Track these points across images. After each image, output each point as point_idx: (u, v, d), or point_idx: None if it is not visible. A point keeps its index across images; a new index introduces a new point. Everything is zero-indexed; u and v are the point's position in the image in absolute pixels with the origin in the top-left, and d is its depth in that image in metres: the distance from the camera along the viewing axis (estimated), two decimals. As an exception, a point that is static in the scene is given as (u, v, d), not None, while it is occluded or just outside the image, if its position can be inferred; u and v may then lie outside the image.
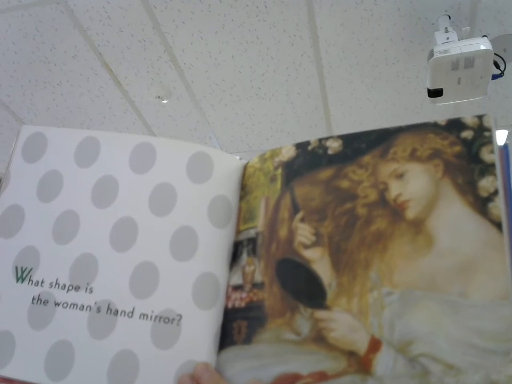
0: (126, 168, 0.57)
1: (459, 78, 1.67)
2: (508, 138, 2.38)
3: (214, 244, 0.53)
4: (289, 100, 2.24)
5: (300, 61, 2.03)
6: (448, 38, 1.69)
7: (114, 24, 1.91)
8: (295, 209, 0.51)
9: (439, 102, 1.78)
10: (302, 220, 0.51)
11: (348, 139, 0.52)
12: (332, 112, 2.30)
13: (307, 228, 0.50)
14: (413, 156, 0.49)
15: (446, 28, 1.72)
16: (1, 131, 2.50)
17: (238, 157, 0.59)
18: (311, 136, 0.54)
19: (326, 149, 0.53)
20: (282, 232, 0.51)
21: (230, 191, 0.56)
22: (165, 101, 2.26)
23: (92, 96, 2.27)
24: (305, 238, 0.50)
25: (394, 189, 0.48)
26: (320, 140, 0.53)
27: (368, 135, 0.51)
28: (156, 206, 0.55)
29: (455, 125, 0.48)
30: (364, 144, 0.51)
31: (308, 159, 0.53)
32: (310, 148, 0.54)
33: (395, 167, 0.49)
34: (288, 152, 0.55)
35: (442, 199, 0.46)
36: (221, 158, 0.57)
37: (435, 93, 1.74)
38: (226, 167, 0.57)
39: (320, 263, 0.48)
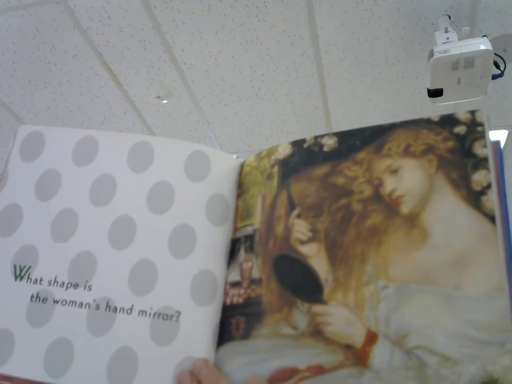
0: (124, 167, 0.58)
1: (459, 78, 1.67)
2: (508, 138, 2.38)
3: (211, 242, 0.54)
4: (289, 100, 2.24)
5: (300, 61, 2.03)
6: (448, 38, 1.68)
7: (114, 24, 1.91)
8: (291, 206, 0.52)
9: (439, 102, 1.78)
10: (299, 216, 0.51)
11: (343, 136, 0.53)
12: (332, 112, 2.30)
13: (303, 224, 0.50)
14: (407, 152, 0.49)
15: (446, 28, 1.72)
16: (1, 131, 2.50)
17: (235, 156, 0.59)
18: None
19: (321, 146, 0.53)
20: (279, 229, 0.51)
21: (227, 189, 0.56)
22: (165, 101, 2.25)
23: (91, 96, 2.27)
24: (302, 234, 0.50)
25: (389, 184, 0.48)
26: (315, 138, 0.54)
27: (363, 132, 0.52)
28: (154, 204, 0.55)
29: (448, 121, 0.49)
30: (359, 141, 0.51)
31: (303, 157, 0.53)
32: (305, 145, 0.54)
33: (389, 162, 0.49)
34: (284, 150, 0.55)
35: (436, 193, 0.46)
36: (218, 157, 0.57)
37: (435, 93, 1.74)
38: (224, 165, 0.57)
39: (316, 258, 0.48)
